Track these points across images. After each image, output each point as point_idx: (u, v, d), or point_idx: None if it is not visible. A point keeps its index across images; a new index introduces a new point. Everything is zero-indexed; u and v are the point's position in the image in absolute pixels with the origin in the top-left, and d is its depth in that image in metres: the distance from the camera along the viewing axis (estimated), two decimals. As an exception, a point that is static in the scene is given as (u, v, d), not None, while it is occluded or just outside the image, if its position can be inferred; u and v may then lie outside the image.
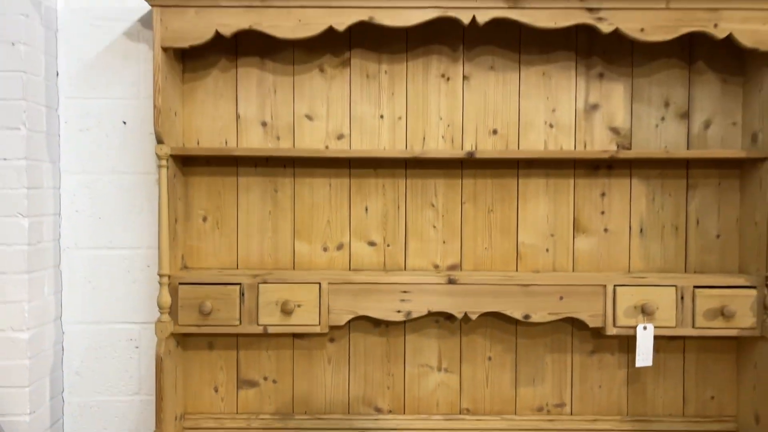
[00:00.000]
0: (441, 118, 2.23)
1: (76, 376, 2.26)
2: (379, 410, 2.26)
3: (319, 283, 2.10)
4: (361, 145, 2.23)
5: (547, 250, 2.25)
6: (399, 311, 2.11)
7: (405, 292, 2.10)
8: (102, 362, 2.26)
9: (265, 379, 2.27)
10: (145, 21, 2.22)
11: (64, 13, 2.23)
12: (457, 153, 2.13)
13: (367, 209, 2.25)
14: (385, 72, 2.23)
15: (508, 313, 2.11)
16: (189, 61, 2.21)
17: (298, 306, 2.09)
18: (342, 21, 2.00)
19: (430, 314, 2.14)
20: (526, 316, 2.10)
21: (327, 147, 2.24)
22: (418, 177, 2.25)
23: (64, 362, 2.26)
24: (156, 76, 2.00)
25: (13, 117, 2.04)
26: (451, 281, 2.10)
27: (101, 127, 2.25)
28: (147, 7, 2.12)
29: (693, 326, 2.08)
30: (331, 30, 2.03)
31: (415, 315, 2.11)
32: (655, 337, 2.10)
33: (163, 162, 2.04)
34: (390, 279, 2.11)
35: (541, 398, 2.27)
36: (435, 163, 2.24)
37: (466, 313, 2.11)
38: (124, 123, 2.25)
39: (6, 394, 2.02)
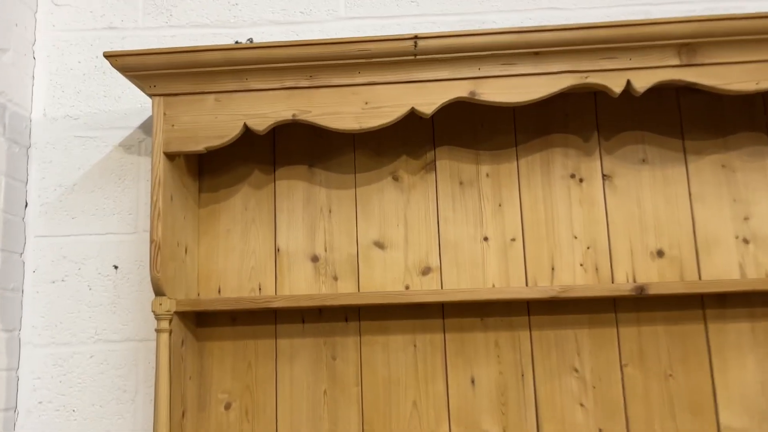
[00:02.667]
0: (576, 237, 1.50)
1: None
2: None
3: None
4: (459, 283, 1.50)
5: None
6: None
7: None
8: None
9: None
10: (148, 127, 1.62)
11: (40, 124, 1.64)
12: (615, 288, 1.36)
13: (473, 381, 1.47)
14: (487, 175, 1.54)
15: None
16: (207, 175, 1.57)
17: None
18: (430, 101, 1.34)
19: None
20: None
21: (407, 287, 1.50)
22: (550, 326, 1.48)
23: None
24: (155, 195, 1.34)
25: (-53, 267, 1.38)
26: (632, 504, 1.26)
27: (82, 276, 1.57)
28: (150, 109, 1.52)
29: None
30: (412, 116, 1.38)
31: None
32: None
33: (164, 324, 1.32)
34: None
35: None
36: (574, 305, 1.47)
37: None
38: (116, 268, 1.57)
39: None
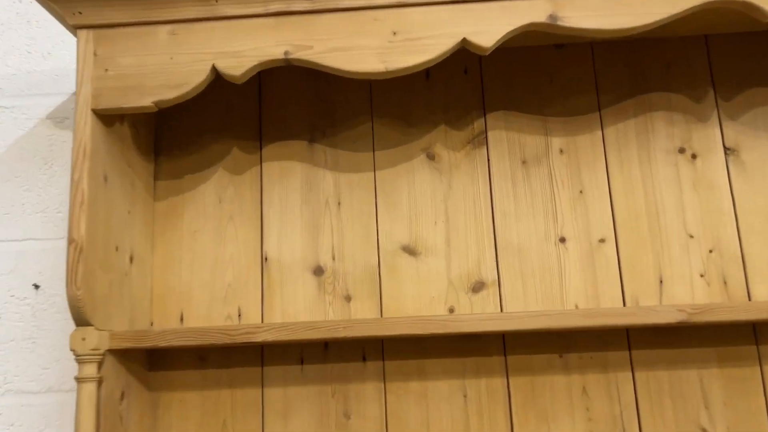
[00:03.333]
0: (691, 236, 1.05)
1: None
2: None
3: None
4: (526, 303, 1.04)
5: None
6: None
7: None
8: None
9: None
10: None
11: (-61, 88, 1.19)
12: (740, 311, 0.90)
13: (552, 447, 1.00)
14: (561, 150, 1.09)
15: None
16: (166, 153, 1.12)
17: None
18: (490, 28, 0.90)
19: None
20: None
21: (452, 311, 1.04)
22: (662, 365, 1.01)
23: None
24: (77, 172, 0.88)
25: None
26: None
27: (-11, 299, 1.11)
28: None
29: None
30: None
31: None
32: None
33: (88, 369, 0.86)
34: None
35: None
36: (696, 333, 1.02)
37: None
38: (36, 287, 1.11)
39: None
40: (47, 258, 1.12)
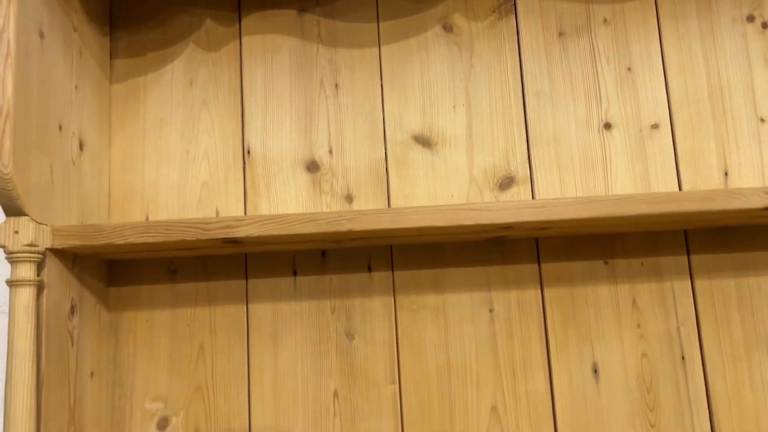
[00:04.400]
0: (762, 120, 0.88)
1: None
2: None
3: None
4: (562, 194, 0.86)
5: None
6: None
7: None
8: None
9: None
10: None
11: None
12: None
13: (596, 369, 0.83)
14: (605, 20, 0.90)
15: None
16: (123, 26, 0.91)
17: None
18: None
19: None
20: None
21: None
22: (726, 271, 0.85)
23: None
24: (0, 17, 0.68)
25: None
26: None
27: None
28: None
29: None
30: None
31: None
32: None
33: (23, 270, 0.67)
34: None
35: None
36: (761, 232, 0.86)
37: None
38: (-31, 189, 0.91)
39: None
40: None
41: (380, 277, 0.86)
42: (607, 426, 0.82)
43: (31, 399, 0.66)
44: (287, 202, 0.88)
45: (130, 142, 0.89)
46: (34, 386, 0.66)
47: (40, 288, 0.69)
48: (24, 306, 0.67)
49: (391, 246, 0.87)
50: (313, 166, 0.89)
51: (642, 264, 0.85)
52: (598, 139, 0.88)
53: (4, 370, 0.84)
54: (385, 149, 0.89)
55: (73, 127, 0.79)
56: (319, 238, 0.76)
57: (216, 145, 0.90)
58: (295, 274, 0.87)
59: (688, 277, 0.85)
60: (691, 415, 0.82)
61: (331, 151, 0.89)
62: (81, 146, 0.81)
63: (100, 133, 0.87)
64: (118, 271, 0.87)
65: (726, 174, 0.86)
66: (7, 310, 0.89)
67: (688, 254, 0.85)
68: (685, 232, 0.86)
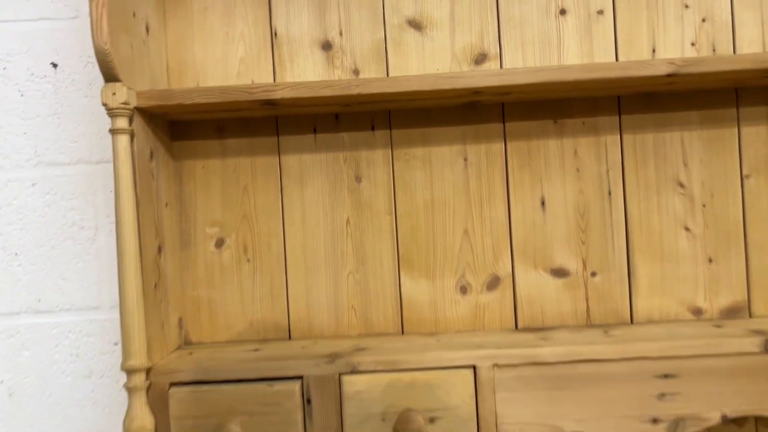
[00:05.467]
0: (687, 6, 1.09)
1: None
2: None
3: (474, 367, 0.95)
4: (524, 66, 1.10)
5: None
6: (656, 420, 0.95)
7: (667, 376, 0.95)
8: None
9: None
10: None
11: None
12: (757, 60, 0.96)
13: (544, 202, 1.11)
14: None
15: None
16: (172, -69, 1.11)
17: (432, 420, 0.95)
18: None
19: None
20: None
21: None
22: (648, 127, 1.10)
23: None
24: (91, -73, 0.89)
25: None
26: (772, 347, 0.94)
27: (9, 78, 1.15)
28: None
29: None
30: None
31: (692, 427, 0.95)
32: None
33: (121, 122, 0.93)
34: (630, 350, 0.95)
35: None
36: (681, 98, 1.09)
37: (810, 417, 0.94)
38: (54, 66, 1.15)
39: None
40: (61, 38, 1.15)
41: (381, 134, 1.12)
42: (550, 244, 1.10)
43: (133, 213, 0.93)
44: (307, 75, 1.12)
45: (181, 26, 1.12)
46: (134, 205, 0.94)
47: (131, 136, 0.95)
48: (124, 148, 0.93)
49: (389, 110, 1.12)
50: (326, 46, 1.12)
51: (584, 123, 1.10)
52: (554, 23, 1.10)
53: (113, 204, 1.12)
54: (384, 32, 1.11)
55: (141, 14, 1.02)
56: (334, 102, 1.00)
57: (249, 29, 1.12)
58: (315, 132, 1.12)
59: (618, 132, 1.10)
60: (613, 235, 1.10)
61: (341, 33, 1.12)
62: (147, 30, 1.04)
63: (158, 18, 1.09)
64: (179, 130, 1.12)
65: (654, 51, 1.09)
66: (92, 160, 1.15)
67: (620, 115, 1.10)
68: (619, 98, 1.10)
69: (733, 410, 0.94)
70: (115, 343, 1.14)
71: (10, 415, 1.15)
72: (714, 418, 0.94)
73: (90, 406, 1.15)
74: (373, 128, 1.12)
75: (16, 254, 1.15)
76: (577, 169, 1.10)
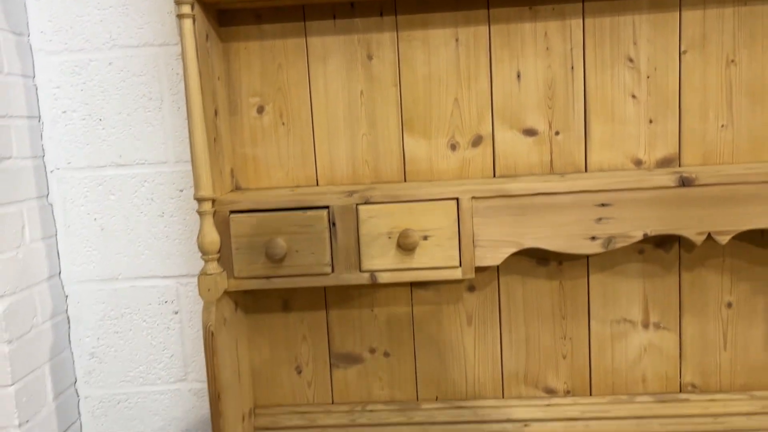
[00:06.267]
0: None
1: (92, 360, 1.52)
2: (551, 392, 1.46)
3: (457, 199, 1.26)
4: (506, -32, 1.34)
5: (829, 123, 1.35)
6: (594, 238, 1.26)
7: (603, 205, 1.25)
8: (127, 337, 1.51)
9: (373, 351, 1.48)
10: None
11: None
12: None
13: (519, 75, 1.38)
14: None
15: (785, 229, 1.24)
16: None
17: (425, 238, 1.27)
18: None
19: (644, 241, 1.29)
20: (818, 234, 1.23)
21: (449, -24, 1.35)
22: (606, 13, 1.35)
23: (72, 340, 1.52)
24: None
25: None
26: (684, 182, 1.23)
27: (86, -26, 1.41)
28: None
29: None
30: None
31: (621, 243, 1.26)
32: None
33: (185, 8, 1.20)
34: (576, 185, 1.25)
35: (814, 363, 1.42)
36: (634, -12, 1.33)
37: (710, 235, 1.25)
38: (121, -37, 1.41)
39: (-24, 400, 1.30)
40: (125, -60, 1.40)
41: (388, 20, 1.38)
42: (523, 109, 1.38)
43: (198, 82, 1.22)
44: (328, -30, 1.37)
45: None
46: (198, 76, 1.22)
47: (192, 20, 1.22)
48: (189, 29, 1.20)
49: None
50: (344, -55, 1.36)
51: (553, 9, 1.35)
52: (532, -77, 1.33)
53: (175, 79, 1.41)
54: (391, -68, 1.35)
55: None
56: (350, -9, 1.26)
57: (279, -69, 1.36)
58: (334, 18, 1.38)
59: (581, 17, 1.35)
60: (574, 102, 1.37)
61: (355, -66, 1.35)
62: (198, -68, 1.29)
63: (205, -77, 1.33)
64: (225, 17, 1.39)
65: (613, -53, 1.32)
66: (156, 43, 1.42)
67: (583, 2, 1.34)
68: (583, -12, 1.34)
69: (653, 230, 1.25)
70: (181, 190, 1.47)
71: (103, 245, 1.49)
72: (638, 236, 1.26)
73: (163, 239, 1.48)
74: (381, 14, 1.38)
75: (100, 120, 1.45)
76: (547, 48, 1.36)
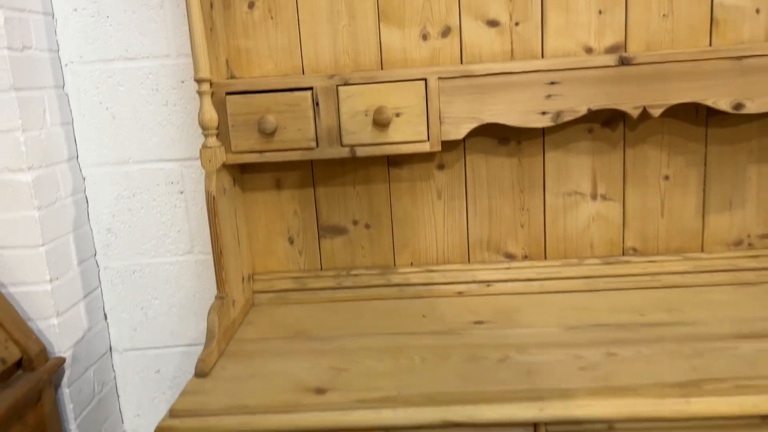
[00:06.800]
0: None
1: (109, 235, 1.73)
2: (510, 257, 1.67)
3: (425, 80, 1.44)
4: None
5: (758, 11, 1.51)
6: (545, 113, 1.44)
7: (553, 83, 1.42)
8: (139, 215, 1.71)
9: (355, 223, 1.68)
10: None
11: None
12: None
13: (483, -29, 1.53)
14: None
15: (709, 102, 1.41)
16: None
17: (398, 115, 1.45)
18: None
19: (588, 115, 1.47)
20: (738, 106, 1.41)
21: None
22: None
23: (91, 217, 1.72)
24: None
25: None
26: (624, 62, 1.40)
27: None
28: None
29: None
30: None
31: (568, 117, 1.44)
32: None
33: None
34: (529, 65, 1.42)
35: (739, 228, 1.62)
36: None
37: (645, 109, 1.43)
38: None
39: (13, 257, 1.50)
40: None
41: None
42: (487, 2, 1.54)
43: (194, -26, 1.38)
44: None
45: None
46: (194, -32, 1.38)
47: None
48: (184, -75, 1.35)
49: None
50: None
51: None
52: None
53: None
54: None
55: None
56: None
57: None
58: None
59: None
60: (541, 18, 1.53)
61: None
62: None
63: None
64: None
65: None
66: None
67: None
68: None
69: (596, 105, 1.43)
70: (182, 81, 1.64)
71: (114, 132, 1.68)
72: (582, 110, 1.44)
73: (168, 126, 1.67)
74: None
75: (108, 17, 1.61)
76: (508, -55, 1.51)
